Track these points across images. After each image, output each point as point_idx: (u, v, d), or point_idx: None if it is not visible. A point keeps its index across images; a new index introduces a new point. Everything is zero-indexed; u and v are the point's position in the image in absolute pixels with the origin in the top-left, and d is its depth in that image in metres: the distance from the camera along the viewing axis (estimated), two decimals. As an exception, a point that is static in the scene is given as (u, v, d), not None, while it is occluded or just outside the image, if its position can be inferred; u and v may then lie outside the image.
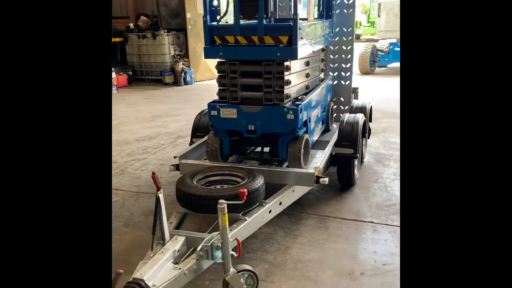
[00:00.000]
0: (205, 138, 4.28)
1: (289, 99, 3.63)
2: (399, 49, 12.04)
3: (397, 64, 12.24)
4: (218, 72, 3.68)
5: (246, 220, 2.97)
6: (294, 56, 3.45)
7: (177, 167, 3.81)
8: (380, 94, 9.16)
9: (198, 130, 4.55)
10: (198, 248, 2.51)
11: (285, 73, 3.50)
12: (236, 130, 3.74)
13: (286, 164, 3.90)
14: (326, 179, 3.43)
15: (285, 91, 3.54)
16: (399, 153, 5.25)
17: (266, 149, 4.20)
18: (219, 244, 2.51)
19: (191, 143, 4.54)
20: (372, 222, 3.62)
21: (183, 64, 11.18)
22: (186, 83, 11.11)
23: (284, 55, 3.46)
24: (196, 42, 11.24)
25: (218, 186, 3.20)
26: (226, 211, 2.44)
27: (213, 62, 11.56)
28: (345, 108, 5.39)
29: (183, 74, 11.05)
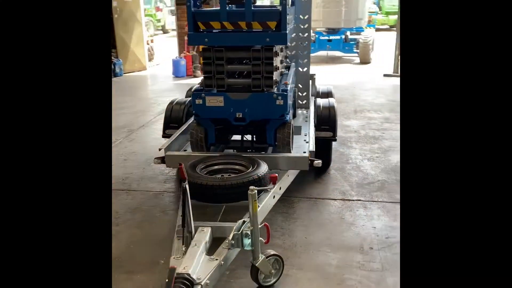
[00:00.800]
0: (182, 128, 4.16)
1: (276, 85, 3.65)
2: (324, 38, 12.56)
3: (323, 53, 12.74)
4: (203, 59, 3.58)
5: (259, 207, 2.96)
6: (284, 41, 3.47)
7: (162, 159, 3.65)
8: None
9: (171, 121, 4.38)
10: (230, 237, 2.46)
11: (274, 58, 3.51)
12: (223, 119, 3.68)
13: (270, 150, 3.94)
14: (320, 161, 3.52)
15: (274, 77, 3.55)
16: (357, 135, 5.54)
17: (247, 137, 4.19)
18: (248, 232, 2.48)
19: (164, 135, 4.36)
20: (359, 200, 3.80)
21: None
22: (115, 75, 10.55)
23: (274, 40, 3.46)
24: (124, 31, 10.70)
25: (225, 175, 3.14)
26: (257, 197, 2.42)
27: (141, 52, 11.12)
28: (303, 94, 5.53)
29: (111, 66, 10.47)
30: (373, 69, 11.19)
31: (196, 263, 2.27)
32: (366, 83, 9.27)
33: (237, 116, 3.63)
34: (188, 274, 2.14)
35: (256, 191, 2.42)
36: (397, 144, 5.27)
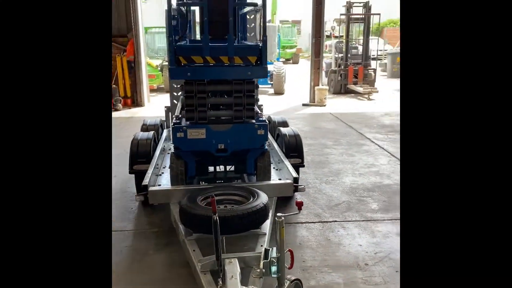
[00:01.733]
0: (151, 164, 4.06)
1: (257, 116, 3.80)
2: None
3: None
4: (186, 93, 3.60)
5: (265, 233, 3.04)
6: (264, 75, 3.65)
7: (144, 196, 3.54)
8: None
9: (139, 156, 4.24)
10: (261, 266, 2.50)
11: (255, 91, 3.67)
12: (204, 151, 3.71)
13: (248, 178, 4.03)
14: (303, 186, 3.72)
15: (255, 109, 3.70)
16: (309, 157, 5.85)
17: (221, 168, 4.24)
18: (274, 259, 2.55)
19: (132, 171, 4.21)
20: (335, 221, 4.04)
21: None
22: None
23: (255, 74, 3.63)
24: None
25: (228, 206, 3.16)
26: (284, 225, 2.52)
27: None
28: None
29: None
30: (290, 99, 11.84)
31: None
32: (290, 112, 9.78)
33: (219, 147, 3.69)
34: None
35: (283, 218, 2.51)
36: (344, 166, 5.69)
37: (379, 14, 12.93)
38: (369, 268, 3.21)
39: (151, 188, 3.55)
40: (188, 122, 3.66)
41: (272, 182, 3.71)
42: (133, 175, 4.22)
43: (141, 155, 4.26)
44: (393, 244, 3.59)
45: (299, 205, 2.58)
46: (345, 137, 7.37)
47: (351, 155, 6.28)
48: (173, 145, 3.74)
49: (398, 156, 6.28)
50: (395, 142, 7.08)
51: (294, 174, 3.78)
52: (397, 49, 20.86)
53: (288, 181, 3.70)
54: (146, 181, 3.63)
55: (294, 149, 4.39)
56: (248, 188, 3.35)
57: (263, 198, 3.11)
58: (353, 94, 12.58)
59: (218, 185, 3.60)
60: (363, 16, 12.77)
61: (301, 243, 3.62)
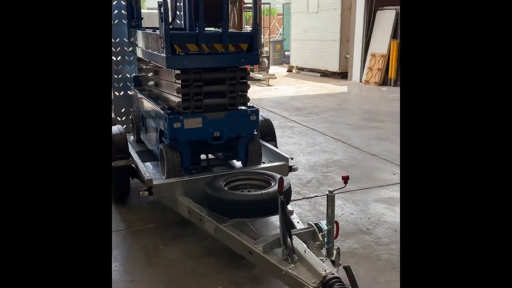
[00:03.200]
0: (135, 159, 3.89)
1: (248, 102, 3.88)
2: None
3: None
4: (182, 82, 3.52)
5: (293, 211, 3.22)
6: (256, 61, 3.76)
7: (149, 190, 3.41)
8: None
9: (116, 152, 3.99)
10: (321, 239, 2.69)
11: (247, 77, 3.76)
12: (200, 140, 3.69)
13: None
14: (296, 166, 3.94)
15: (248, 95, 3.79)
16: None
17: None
18: (325, 232, 2.77)
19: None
20: (317, 196, 4.36)
21: None
22: None
23: (248, 61, 3.72)
24: None
25: (251, 190, 3.23)
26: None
27: None
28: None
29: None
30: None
31: (322, 264, 2.45)
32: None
33: (214, 135, 3.70)
34: (332, 273, 2.32)
35: (334, 193, 2.73)
36: (291, 148, 6.05)
37: (269, 3, 13.58)
38: (372, 232, 3.61)
39: (156, 182, 3.42)
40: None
41: (269, 165, 3.85)
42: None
43: (118, 150, 4.02)
44: (376, 209, 4.05)
45: (346, 179, 2.81)
46: (273, 121, 7.72)
47: (290, 137, 6.67)
48: (167, 136, 3.63)
49: (331, 134, 6.87)
50: (319, 122, 7.69)
51: (287, 155, 3.98)
52: (277, 37, 22.00)
53: (284, 162, 3.89)
54: (147, 176, 3.48)
55: (268, 133, 4.57)
56: (263, 172, 3.46)
57: (286, 182, 3.24)
58: (251, 82, 13.04)
59: (233, 172, 3.60)
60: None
61: (302, 219, 3.85)
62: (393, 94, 11.02)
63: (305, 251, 2.56)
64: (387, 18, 12.55)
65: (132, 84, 5.28)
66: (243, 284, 2.90)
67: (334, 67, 14.38)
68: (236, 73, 3.67)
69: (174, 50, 3.44)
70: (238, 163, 4.12)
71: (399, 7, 12.19)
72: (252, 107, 3.86)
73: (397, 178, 4.84)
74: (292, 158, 3.95)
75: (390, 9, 12.48)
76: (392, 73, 12.44)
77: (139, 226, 3.73)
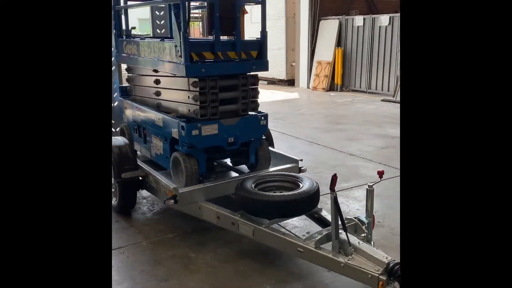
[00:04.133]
0: (147, 169, 3.85)
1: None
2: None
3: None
4: (200, 89, 3.55)
5: (321, 208, 3.39)
6: (266, 68, 3.88)
7: (174, 199, 3.40)
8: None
9: (125, 163, 3.90)
10: (366, 231, 2.88)
11: (257, 84, 3.88)
12: (216, 146, 3.75)
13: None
14: (305, 167, 4.12)
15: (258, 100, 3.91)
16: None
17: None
18: (366, 224, 2.97)
19: (119, 180, 3.85)
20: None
21: None
22: None
23: (259, 67, 3.83)
24: None
25: (283, 192, 3.33)
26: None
27: None
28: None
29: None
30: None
31: (381, 252, 2.62)
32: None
33: (229, 141, 3.77)
34: (394, 260, 2.51)
35: (374, 187, 2.93)
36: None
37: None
38: (385, 224, 3.87)
39: (182, 190, 3.42)
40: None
41: (282, 166, 3.97)
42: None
43: (127, 161, 3.94)
44: (377, 202, 4.31)
45: (381, 174, 3.02)
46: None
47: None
48: (183, 144, 3.64)
49: (304, 137, 7.14)
50: (288, 127, 7.94)
51: (296, 157, 4.13)
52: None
53: (294, 164, 4.04)
54: (172, 185, 3.47)
55: (266, 137, 4.70)
56: (288, 174, 3.58)
57: (310, 180, 3.39)
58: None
59: (258, 175, 3.66)
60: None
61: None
62: (342, 98, 11.61)
63: (359, 242, 2.73)
64: (330, 27, 13.20)
65: (117, 95, 5.16)
66: (289, 282, 2.99)
67: (282, 74, 14.81)
68: (247, 80, 3.78)
69: (192, 58, 3.47)
70: (245, 168, 4.20)
71: (342, 16, 12.90)
72: (261, 112, 3.97)
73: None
74: (301, 160, 4.11)
75: (333, 18, 13.16)
76: (338, 79, 13.09)
77: (159, 237, 3.69)
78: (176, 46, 3.50)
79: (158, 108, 4.23)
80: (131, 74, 4.86)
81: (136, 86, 4.78)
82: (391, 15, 11.70)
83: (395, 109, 9.85)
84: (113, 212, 4.02)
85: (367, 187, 2.92)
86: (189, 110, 3.68)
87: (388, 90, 11.71)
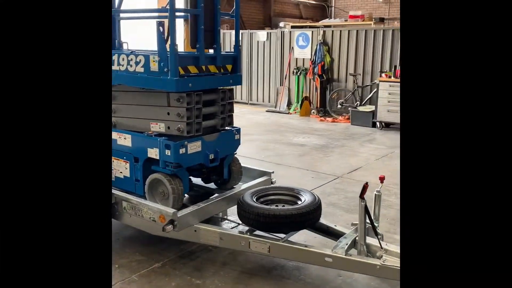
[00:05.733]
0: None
1: (232, 122, 3.91)
2: None
3: None
4: (187, 105, 3.35)
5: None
6: (240, 82, 3.85)
7: (172, 223, 3.15)
8: None
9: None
10: (380, 233, 3.09)
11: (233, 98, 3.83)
12: (199, 164, 3.59)
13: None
14: (275, 179, 4.18)
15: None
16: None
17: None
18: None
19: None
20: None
21: None
22: None
23: (235, 82, 3.78)
24: None
25: (285, 205, 3.34)
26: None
27: None
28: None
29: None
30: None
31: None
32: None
33: (210, 158, 3.64)
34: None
35: (381, 193, 3.17)
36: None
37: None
38: (388, 215, 4.11)
39: (180, 213, 3.17)
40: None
41: (254, 181, 3.94)
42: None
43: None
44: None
45: (382, 179, 3.26)
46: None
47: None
48: (167, 164, 3.38)
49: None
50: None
51: (268, 170, 4.15)
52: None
53: (267, 177, 4.07)
54: (168, 209, 3.19)
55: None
56: (288, 187, 3.59)
57: (311, 194, 3.46)
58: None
59: (262, 188, 3.60)
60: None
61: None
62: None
63: (386, 244, 2.93)
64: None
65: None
66: None
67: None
68: (225, 94, 3.70)
69: (178, 73, 3.28)
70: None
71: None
72: (234, 126, 3.92)
73: (317, 180, 5.52)
74: (273, 172, 4.16)
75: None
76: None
77: (147, 268, 3.34)
78: (159, 59, 3.25)
79: (115, 127, 3.83)
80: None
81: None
82: (268, 31, 12.44)
83: (282, 118, 10.51)
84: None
85: (375, 192, 3.13)
86: (168, 127, 3.45)
87: (269, 101, 12.36)
